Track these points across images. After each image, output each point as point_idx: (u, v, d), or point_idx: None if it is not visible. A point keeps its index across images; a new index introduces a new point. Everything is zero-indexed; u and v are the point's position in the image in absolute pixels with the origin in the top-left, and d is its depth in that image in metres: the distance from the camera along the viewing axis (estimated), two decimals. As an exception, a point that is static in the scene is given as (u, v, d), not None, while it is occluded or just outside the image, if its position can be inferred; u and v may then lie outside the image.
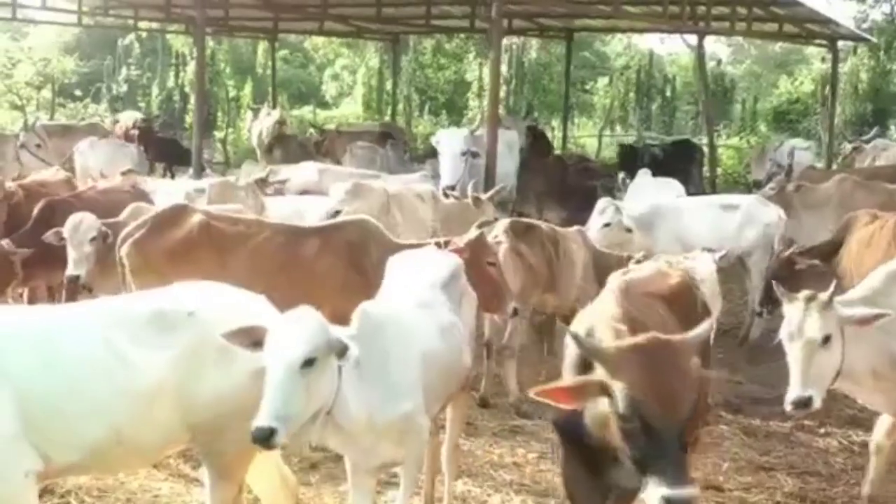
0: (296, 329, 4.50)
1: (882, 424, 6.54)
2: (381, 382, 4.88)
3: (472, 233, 7.00)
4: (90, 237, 8.45)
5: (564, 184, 15.49)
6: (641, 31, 28.61)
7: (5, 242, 8.77)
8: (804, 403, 5.58)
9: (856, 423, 8.08)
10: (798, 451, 7.80)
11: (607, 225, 10.42)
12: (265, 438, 4.29)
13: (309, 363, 4.42)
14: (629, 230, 10.51)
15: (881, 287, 6.21)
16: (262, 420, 4.30)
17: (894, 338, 5.96)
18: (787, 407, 5.65)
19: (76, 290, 8.93)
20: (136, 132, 19.44)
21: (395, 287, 5.78)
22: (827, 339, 5.67)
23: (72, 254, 8.43)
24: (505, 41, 27.25)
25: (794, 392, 5.61)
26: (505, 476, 7.14)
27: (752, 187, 16.57)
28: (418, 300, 5.53)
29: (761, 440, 7.97)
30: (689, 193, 13.89)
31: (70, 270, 8.40)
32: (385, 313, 5.14)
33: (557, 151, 23.61)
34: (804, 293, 5.84)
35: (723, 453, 7.61)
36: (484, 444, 7.73)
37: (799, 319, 5.71)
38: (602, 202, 10.87)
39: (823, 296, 5.77)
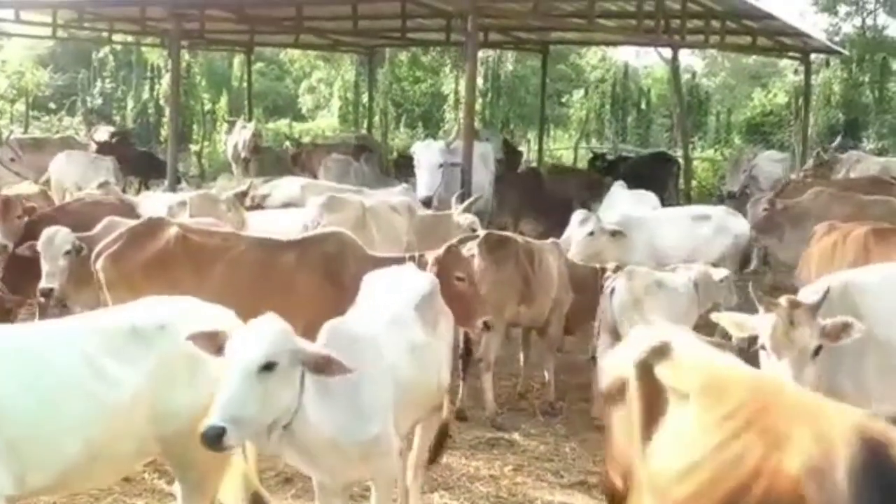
0: (258, 332, 4.44)
1: None
2: (348, 401, 4.75)
3: (442, 248, 6.98)
4: (64, 251, 8.43)
5: (541, 197, 15.52)
6: (616, 44, 28.73)
7: None
8: None
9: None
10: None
11: (592, 234, 10.50)
12: (214, 438, 4.15)
13: (268, 367, 4.33)
14: (617, 233, 10.63)
15: None
16: (212, 419, 4.17)
17: (827, 373, 5.50)
18: None
19: (49, 303, 8.90)
20: (94, 145, 19.30)
21: (368, 304, 5.69)
22: (818, 351, 5.20)
23: (45, 267, 8.41)
24: (481, 54, 27.30)
25: None
26: (481, 489, 7.14)
27: (726, 198, 16.61)
28: (390, 318, 5.41)
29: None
30: (665, 205, 13.95)
31: (43, 283, 8.39)
32: (355, 330, 5.06)
33: (533, 164, 23.74)
34: (787, 298, 5.36)
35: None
36: (460, 457, 7.72)
37: (783, 328, 5.17)
38: (580, 213, 10.96)
39: (811, 301, 5.30)
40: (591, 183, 17.01)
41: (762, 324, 5.27)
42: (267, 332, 4.43)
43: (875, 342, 5.74)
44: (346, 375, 4.60)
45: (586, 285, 9.25)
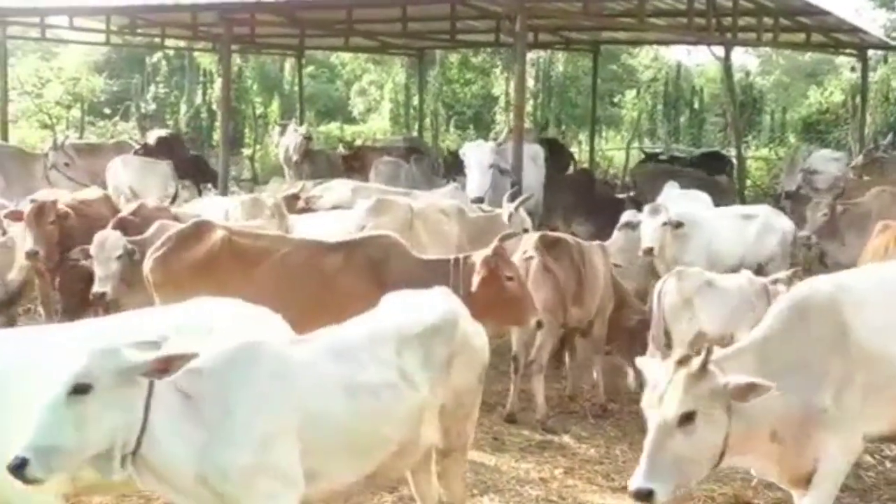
0: (77, 354, 4.08)
1: None
2: (220, 426, 4.29)
3: (490, 248, 6.97)
4: (116, 255, 8.51)
5: (592, 198, 15.45)
6: (668, 43, 28.52)
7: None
8: (643, 496, 4.54)
9: (889, 437, 7.92)
10: (829, 465, 7.66)
11: (665, 224, 10.49)
12: (15, 469, 3.88)
13: (81, 391, 3.98)
14: (680, 225, 10.65)
15: (779, 328, 5.19)
16: (18, 448, 3.90)
17: (803, 392, 5.04)
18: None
19: (105, 306, 8.98)
20: (139, 148, 19.38)
21: (341, 328, 5.08)
22: (688, 418, 4.61)
23: (98, 271, 8.49)
24: (531, 55, 27.25)
25: (634, 480, 4.59)
26: (531, 492, 7.09)
27: (784, 198, 16.36)
28: (333, 348, 4.79)
29: (791, 455, 7.84)
30: (718, 206, 13.83)
31: (96, 287, 8.47)
32: (263, 351, 4.56)
33: (585, 164, 23.63)
34: (678, 353, 4.79)
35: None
36: (510, 460, 7.69)
37: (662, 388, 4.65)
38: (648, 206, 10.94)
39: (696, 362, 4.66)
40: (703, 184, 16.69)
41: (652, 375, 4.83)
42: (85, 353, 4.06)
43: (865, 354, 5.24)
44: (226, 398, 4.29)
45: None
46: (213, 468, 4.26)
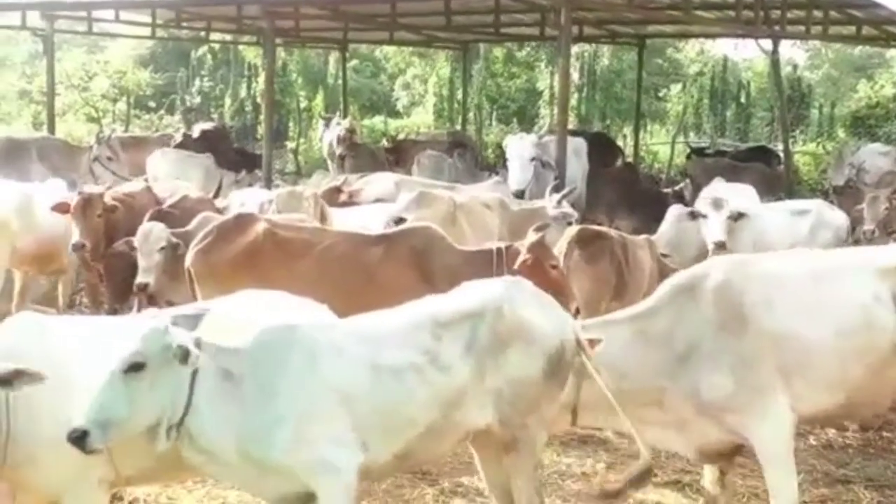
0: (139, 331, 4.41)
1: (709, 473, 5.75)
2: (261, 408, 4.53)
3: (532, 237, 6.98)
4: (159, 247, 8.55)
5: (635, 192, 15.34)
6: (714, 36, 28.24)
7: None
8: None
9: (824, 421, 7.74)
10: (876, 463, 7.56)
11: (730, 217, 10.42)
12: (77, 440, 4.21)
13: (135, 368, 4.31)
14: (741, 216, 10.55)
15: (664, 306, 5.38)
16: (77, 421, 4.24)
17: (691, 370, 5.17)
18: None
19: (151, 299, 9.04)
20: (177, 140, 19.42)
21: (390, 312, 5.11)
22: None
23: (141, 262, 8.54)
24: (576, 49, 27.12)
25: None
26: (572, 486, 7.05)
27: (831, 192, 16.16)
28: (363, 333, 4.89)
29: (837, 452, 7.73)
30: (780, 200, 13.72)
31: (139, 278, 8.52)
32: (295, 334, 4.75)
33: (629, 159, 23.46)
34: None
35: (798, 465, 7.36)
36: (552, 454, 7.61)
37: None
38: (710, 200, 10.83)
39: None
40: (765, 178, 16.46)
41: None
42: (140, 333, 4.40)
43: (772, 336, 5.25)
44: (267, 380, 4.52)
45: None
46: (256, 444, 4.49)
